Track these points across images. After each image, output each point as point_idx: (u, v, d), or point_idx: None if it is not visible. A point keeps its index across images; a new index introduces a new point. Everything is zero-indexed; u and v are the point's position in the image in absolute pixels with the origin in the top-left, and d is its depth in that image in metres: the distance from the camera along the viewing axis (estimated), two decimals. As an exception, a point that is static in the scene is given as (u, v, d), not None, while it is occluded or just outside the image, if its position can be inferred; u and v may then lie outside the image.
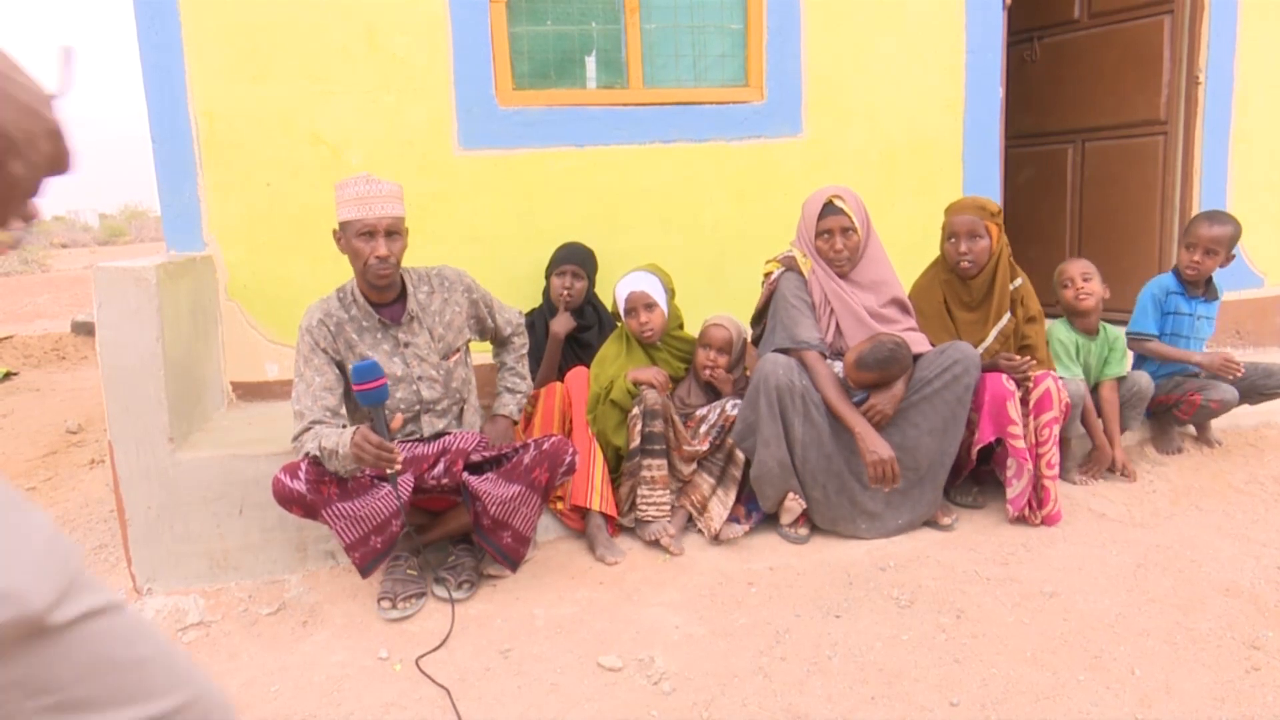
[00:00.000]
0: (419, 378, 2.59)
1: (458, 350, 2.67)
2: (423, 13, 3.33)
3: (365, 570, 2.49)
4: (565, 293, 3.24)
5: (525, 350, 2.95)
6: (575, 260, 3.28)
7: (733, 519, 2.82)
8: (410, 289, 2.59)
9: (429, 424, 2.63)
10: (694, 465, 2.89)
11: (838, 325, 2.83)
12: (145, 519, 2.63)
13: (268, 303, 3.34)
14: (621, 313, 2.98)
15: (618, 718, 1.94)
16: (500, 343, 2.93)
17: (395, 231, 2.43)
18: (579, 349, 3.26)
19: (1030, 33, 4.91)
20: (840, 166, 3.70)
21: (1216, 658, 2.02)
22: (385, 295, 2.54)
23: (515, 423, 2.85)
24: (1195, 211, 4.26)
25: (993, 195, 3.83)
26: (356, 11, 3.29)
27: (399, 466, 2.28)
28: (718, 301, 3.40)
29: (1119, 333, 3.29)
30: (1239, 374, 3.14)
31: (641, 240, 3.60)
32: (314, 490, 2.36)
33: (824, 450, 2.73)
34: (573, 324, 3.24)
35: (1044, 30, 4.87)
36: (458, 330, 2.67)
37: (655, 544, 2.78)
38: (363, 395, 2.21)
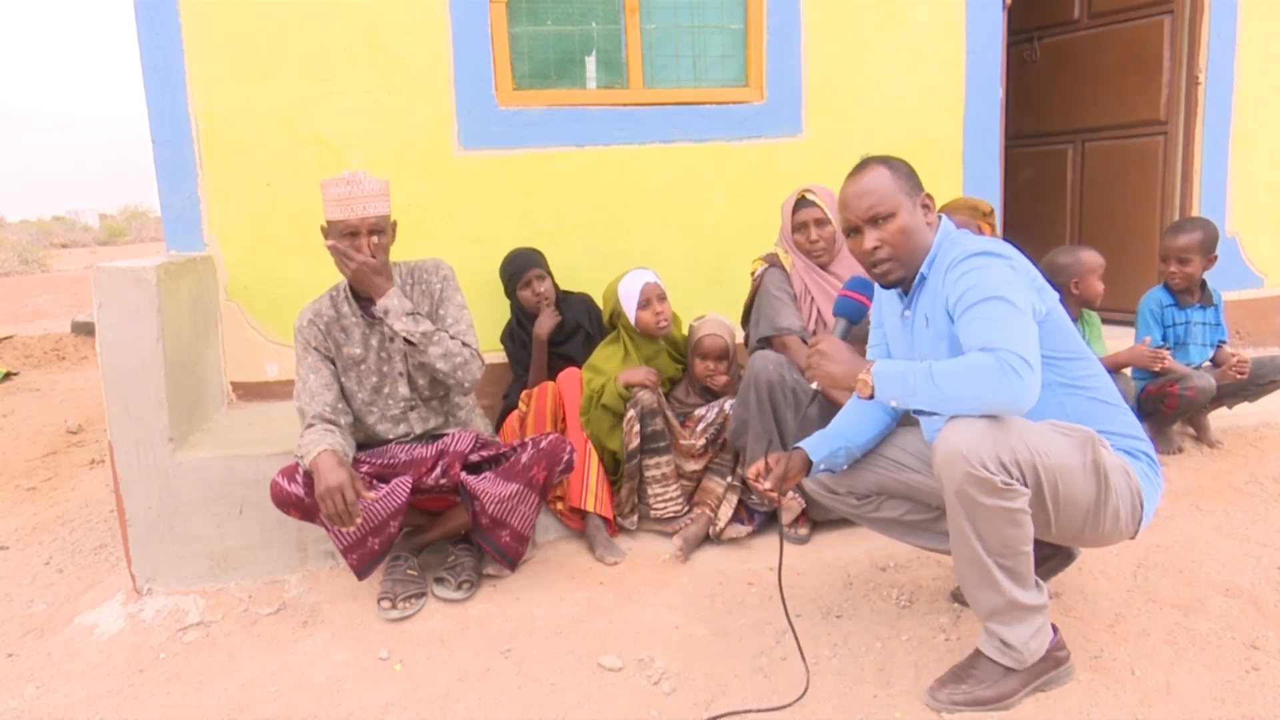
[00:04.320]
0: (400, 373, 2.59)
1: None
2: (423, 13, 3.33)
3: (362, 573, 2.50)
4: (537, 299, 3.20)
5: (459, 343, 2.52)
6: (533, 265, 3.22)
7: (736, 519, 2.83)
8: (398, 282, 2.58)
9: (419, 420, 2.63)
10: (702, 464, 2.89)
11: (819, 313, 2.84)
12: (145, 519, 2.64)
13: (268, 303, 3.34)
14: (627, 310, 2.96)
15: (618, 718, 1.94)
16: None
17: (379, 230, 2.43)
18: (560, 360, 3.22)
19: (1030, 33, 4.91)
20: (840, 166, 3.63)
21: (1216, 658, 2.02)
22: None
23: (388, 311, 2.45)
24: (1195, 212, 4.27)
25: (993, 195, 3.82)
26: (357, 12, 3.29)
27: (351, 529, 2.31)
28: (718, 302, 3.40)
29: (1093, 315, 3.29)
30: (1163, 366, 3.11)
31: (641, 240, 3.61)
32: (310, 493, 2.36)
33: None
34: (557, 318, 3.20)
35: (1044, 30, 4.87)
36: (439, 321, 2.63)
37: (669, 535, 2.82)
38: (841, 300, 2.05)
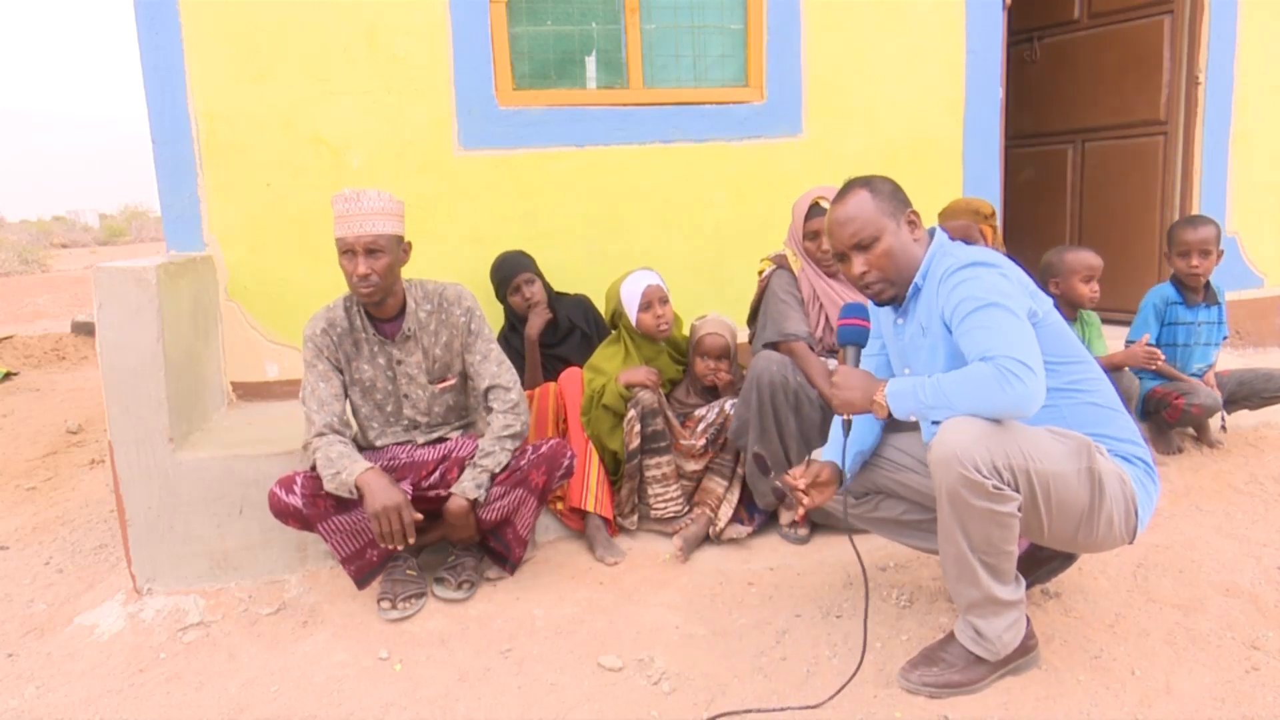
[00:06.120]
0: (405, 396, 2.58)
1: (452, 378, 2.61)
2: (423, 13, 3.33)
3: (361, 583, 2.52)
4: (527, 303, 3.21)
5: (510, 433, 2.51)
6: (521, 270, 3.22)
7: (736, 519, 2.83)
8: (412, 306, 2.53)
9: (422, 435, 2.64)
10: (703, 464, 2.90)
11: (827, 320, 2.84)
12: (145, 519, 2.64)
13: (268, 303, 3.34)
14: (629, 311, 2.96)
15: (618, 718, 1.94)
16: (484, 398, 2.59)
17: (377, 250, 2.35)
18: (556, 362, 3.23)
19: (1030, 33, 4.91)
20: (840, 167, 3.68)
21: (1216, 658, 2.02)
22: (383, 310, 2.50)
23: (476, 502, 2.44)
24: (1195, 212, 4.26)
25: (993, 196, 3.82)
26: (356, 12, 3.29)
27: (400, 547, 2.33)
28: (718, 302, 3.39)
29: (1093, 315, 3.27)
30: (1157, 366, 3.11)
31: (641, 240, 3.60)
32: (310, 504, 2.37)
33: (816, 444, 2.73)
34: (548, 315, 3.21)
35: (1044, 30, 4.87)
36: (456, 352, 2.59)
37: (669, 535, 2.82)
38: (842, 330, 2.04)
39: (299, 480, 2.39)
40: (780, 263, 2.93)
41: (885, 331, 2.15)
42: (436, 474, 2.56)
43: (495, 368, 2.57)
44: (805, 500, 2.07)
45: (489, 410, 2.57)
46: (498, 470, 2.48)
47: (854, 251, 1.97)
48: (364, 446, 2.62)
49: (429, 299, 2.57)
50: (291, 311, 3.27)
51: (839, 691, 1.94)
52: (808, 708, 1.91)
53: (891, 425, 2.18)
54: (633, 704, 1.98)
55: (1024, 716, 1.86)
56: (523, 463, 2.52)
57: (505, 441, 2.50)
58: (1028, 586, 2.00)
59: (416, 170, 3.39)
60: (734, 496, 2.84)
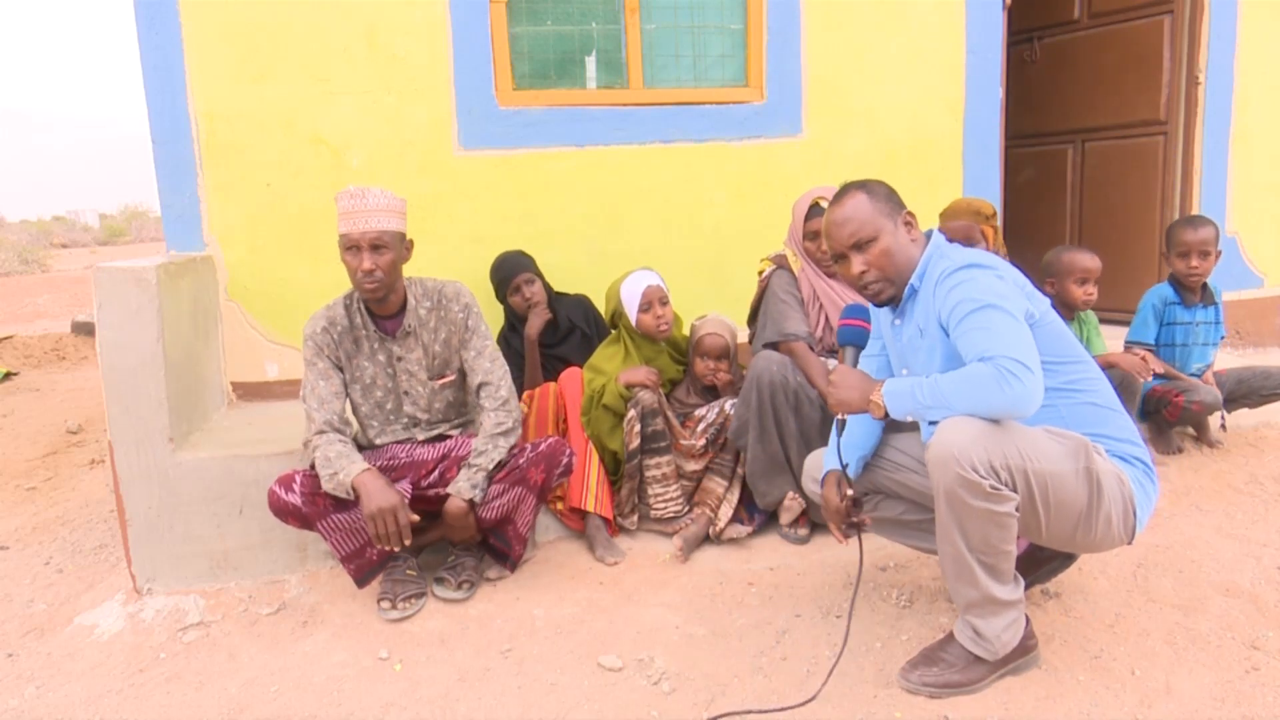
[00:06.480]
0: (405, 393, 2.58)
1: (451, 374, 2.62)
2: (423, 13, 3.33)
3: (361, 581, 2.52)
4: (527, 303, 3.21)
5: (502, 430, 2.51)
6: (521, 270, 3.22)
7: (735, 519, 2.83)
8: (413, 303, 2.54)
9: (422, 432, 2.64)
10: (703, 464, 2.89)
11: (827, 320, 2.84)
12: (145, 519, 2.64)
13: (268, 303, 3.34)
14: (629, 312, 2.96)
15: (618, 718, 1.94)
16: (476, 395, 2.60)
17: (381, 245, 2.37)
18: (556, 362, 3.23)
19: (1030, 33, 4.91)
20: (840, 167, 3.70)
21: (1216, 658, 2.02)
22: (385, 307, 2.51)
23: (473, 502, 2.45)
24: (1195, 212, 4.26)
25: (993, 195, 3.83)
26: (356, 12, 3.29)
27: (396, 549, 2.33)
28: (718, 302, 3.39)
29: (1090, 313, 3.26)
30: (1153, 373, 3.10)
31: (641, 240, 3.61)
32: (309, 502, 2.37)
33: (816, 444, 2.73)
34: (548, 315, 3.21)
35: (1044, 30, 4.87)
36: (454, 349, 2.60)
37: (669, 535, 2.82)
38: (842, 330, 2.07)
39: (298, 478, 2.39)
40: (780, 263, 2.93)
41: (884, 333, 2.16)
42: (436, 473, 2.56)
43: (488, 364, 2.58)
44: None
45: (481, 409, 2.57)
46: (492, 468, 2.48)
47: (852, 251, 1.99)
48: (364, 445, 2.62)
49: (429, 296, 2.58)
50: (291, 311, 3.27)
51: (829, 677, 1.96)
52: (802, 704, 1.91)
53: (891, 426, 2.18)
54: (633, 704, 1.98)
55: (1024, 716, 1.86)
56: (521, 461, 2.52)
57: (498, 439, 2.50)
58: (1027, 586, 2.01)
59: (416, 170, 3.39)
60: (734, 496, 2.84)
